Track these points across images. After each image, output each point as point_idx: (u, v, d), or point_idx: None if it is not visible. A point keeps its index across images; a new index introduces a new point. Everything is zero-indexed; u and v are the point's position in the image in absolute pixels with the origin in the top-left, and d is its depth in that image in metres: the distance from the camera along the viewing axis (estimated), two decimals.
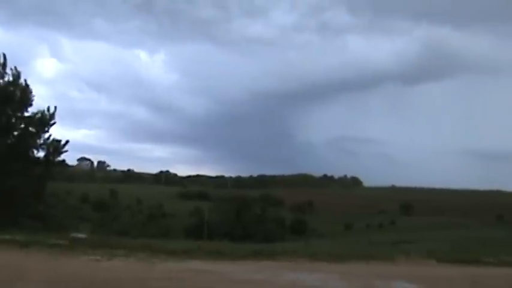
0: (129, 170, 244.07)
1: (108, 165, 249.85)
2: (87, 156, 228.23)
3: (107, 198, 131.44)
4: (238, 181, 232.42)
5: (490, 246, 48.90)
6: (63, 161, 34.69)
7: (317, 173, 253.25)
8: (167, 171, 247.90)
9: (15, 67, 31.24)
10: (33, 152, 32.48)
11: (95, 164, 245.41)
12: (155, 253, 19.04)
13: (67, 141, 33.15)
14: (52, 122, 32.11)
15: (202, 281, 15.05)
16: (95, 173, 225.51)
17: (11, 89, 31.34)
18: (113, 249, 19.11)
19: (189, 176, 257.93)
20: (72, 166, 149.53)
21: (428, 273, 18.84)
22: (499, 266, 21.67)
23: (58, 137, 33.06)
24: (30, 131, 32.12)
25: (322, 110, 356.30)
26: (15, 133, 31.90)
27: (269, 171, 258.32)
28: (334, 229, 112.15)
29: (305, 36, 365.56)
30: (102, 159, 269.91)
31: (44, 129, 32.06)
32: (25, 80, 31.89)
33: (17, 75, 31.36)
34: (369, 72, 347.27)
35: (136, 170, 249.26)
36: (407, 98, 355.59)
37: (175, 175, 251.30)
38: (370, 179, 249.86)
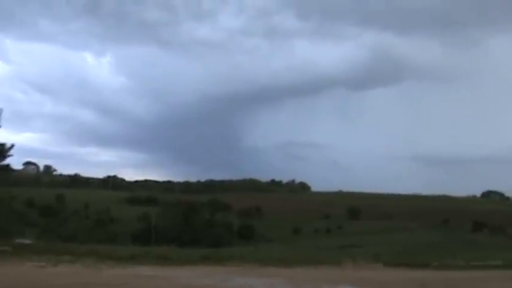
0: (76, 175, 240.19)
1: (54, 170, 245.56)
2: (32, 160, 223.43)
3: (53, 203, 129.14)
4: (186, 186, 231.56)
5: (435, 250, 49.76)
6: (8, 165, 34.04)
7: (265, 177, 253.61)
8: (115, 176, 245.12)
9: None
10: None
11: (41, 168, 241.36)
12: (102, 259, 18.85)
13: (12, 145, 32.55)
14: None
15: (149, 287, 14.97)
16: (41, 178, 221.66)
17: None
18: (59, 255, 18.86)
19: (137, 181, 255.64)
20: (17, 170, 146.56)
21: (374, 277, 19.07)
22: (443, 270, 22.08)
23: (2, 141, 32.39)
24: None
25: (270, 114, 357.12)
26: None
27: (217, 176, 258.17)
28: (282, 234, 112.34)
29: (253, 40, 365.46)
30: (48, 163, 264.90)
31: None
32: None
33: None
34: (317, 77, 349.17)
35: (84, 174, 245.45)
36: (354, 103, 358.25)
37: (123, 180, 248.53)
38: (318, 184, 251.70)
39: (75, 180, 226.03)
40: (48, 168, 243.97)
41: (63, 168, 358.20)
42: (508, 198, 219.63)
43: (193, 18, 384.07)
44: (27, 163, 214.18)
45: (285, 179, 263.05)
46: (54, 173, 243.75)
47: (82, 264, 17.82)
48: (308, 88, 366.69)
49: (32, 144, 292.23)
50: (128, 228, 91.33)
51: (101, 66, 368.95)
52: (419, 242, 79.19)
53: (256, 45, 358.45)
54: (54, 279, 14.91)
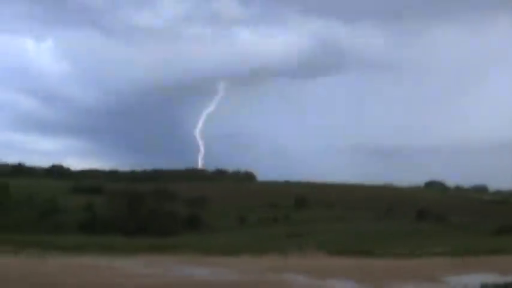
0: (19, 164, 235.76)
1: None
2: None
3: None
4: (132, 175, 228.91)
5: (380, 239, 50.57)
6: None
7: (211, 167, 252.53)
8: (60, 165, 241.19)
9: None
10: None
11: None
12: (47, 249, 18.74)
13: None
14: None
15: (94, 276, 14.98)
16: None
17: None
18: (3, 246, 18.69)
19: (83, 170, 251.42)
20: None
21: (319, 264, 19.37)
22: (387, 258, 22.53)
23: None
24: None
25: (215, 103, 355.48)
26: None
27: (163, 165, 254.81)
28: (228, 223, 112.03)
29: (195, 28, 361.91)
30: None
31: None
32: None
33: None
34: (261, 65, 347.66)
35: (28, 163, 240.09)
36: (299, 92, 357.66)
37: (68, 169, 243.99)
38: (264, 174, 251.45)
39: (18, 170, 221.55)
40: None
41: (7, 157, 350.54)
42: (448, 188, 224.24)
43: (135, 4, 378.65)
44: None
45: (230, 168, 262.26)
46: None
47: (26, 255, 17.69)
48: (253, 77, 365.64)
49: None
50: (74, 218, 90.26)
51: (42, 52, 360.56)
52: (364, 230, 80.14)
53: (199, 33, 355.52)
54: None
